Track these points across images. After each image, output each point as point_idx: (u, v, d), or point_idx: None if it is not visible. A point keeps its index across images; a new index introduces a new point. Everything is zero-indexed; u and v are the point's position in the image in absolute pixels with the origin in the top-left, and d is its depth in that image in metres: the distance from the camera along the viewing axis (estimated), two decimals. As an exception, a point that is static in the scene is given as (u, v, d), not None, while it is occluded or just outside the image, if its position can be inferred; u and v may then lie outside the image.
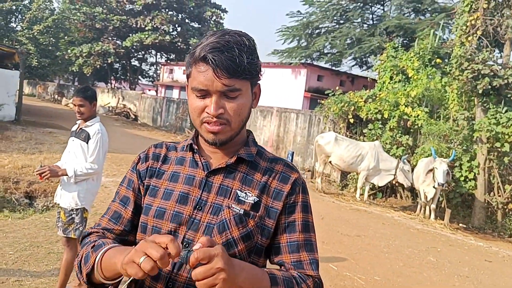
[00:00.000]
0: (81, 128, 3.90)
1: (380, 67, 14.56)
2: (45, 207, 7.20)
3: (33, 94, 39.84)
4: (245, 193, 1.23)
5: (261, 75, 1.25)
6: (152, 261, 0.90)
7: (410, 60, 13.38)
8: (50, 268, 4.52)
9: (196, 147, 1.30)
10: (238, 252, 1.18)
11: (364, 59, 26.48)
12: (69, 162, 3.83)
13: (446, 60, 13.47)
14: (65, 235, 3.79)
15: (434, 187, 9.14)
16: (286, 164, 1.31)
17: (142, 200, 1.30)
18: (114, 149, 13.19)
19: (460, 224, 9.77)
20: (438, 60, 13.41)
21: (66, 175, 3.72)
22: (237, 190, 1.23)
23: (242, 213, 1.19)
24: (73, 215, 3.78)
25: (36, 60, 23.52)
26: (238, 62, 1.13)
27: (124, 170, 10.16)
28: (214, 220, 1.19)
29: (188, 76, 1.22)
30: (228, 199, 1.21)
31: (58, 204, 3.90)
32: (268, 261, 1.30)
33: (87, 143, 3.82)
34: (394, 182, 11.29)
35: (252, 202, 1.21)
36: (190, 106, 1.21)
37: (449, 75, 11.13)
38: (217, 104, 1.15)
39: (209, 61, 1.12)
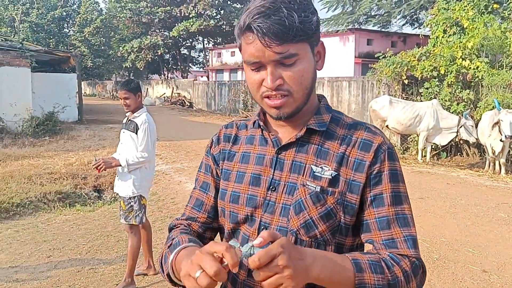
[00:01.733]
0: (129, 120, 4.06)
1: (432, 21, 13.80)
2: (112, 198, 7.60)
3: (94, 94, 41.81)
4: (321, 167, 1.11)
5: (320, 31, 1.11)
6: (208, 276, 0.82)
7: (464, 9, 12.53)
8: (120, 255, 4.78)
9: (262, 123, 1.20)
10: (319, 233, 1.08)
11: (414, 16, 25.20)
12: (122, 153, 4.00)
13: (504, 4, 12.51)
14: (127, 223, 3.98)
15: (501, 140, 8.62)
16: (367, 129, 1.14)
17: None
18: (172, 137, 13.61)
19: (535, 177, 9.18)
20: (495, 6, 12.48)
21: (120, 165, 3.89)
22: (311, 165, 1.11)
23: (318, 190, 1.08)
24: (131, 203, 3.95)
25: (91, 61, 24.61)
26: (288, 24, 0.99)
27: (183, 156, 10.47)
28: (290, 201, 1.09)
29: (239, 49, 1.11)
30: (303, 176, 1.11)
31: (118, 194, 4.09)
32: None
33: (136, 133, 3.97)
34: (458, 140, 10.77)
35: (330, 177, 1.09)
36: (248, 81, 1.12)
37: (508, 19, 10.34)
38: (274, 75, 1.04)
39: (254, 29, 1.01)
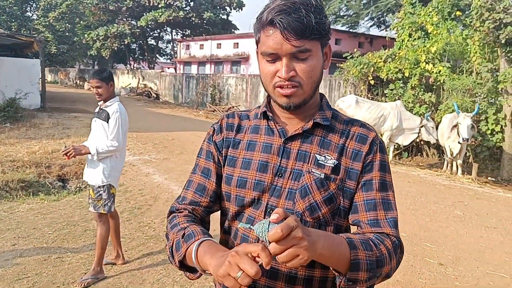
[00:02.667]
0: (101, 109, 4.05)
1: (398, 25, 14.21)
2: (77, 188, 7.49)
3: (56, 81, 40.51)
4: (324, 156, 1.23)
5: (330, 34, 1.23)
6: (248, 276, 0.90)
7: (429, 15, 12.99)
8: (87, 244, 4.76)
9: (270, 114, 1.30)
10: (322, 215, 1.20)
11: (381, 19, 25.86)
12: (92, 141, 3.99)
13: (466, 12, 13.05)
14: (96, 211, 3.97)
15: (459, 142, 9.04)
16: (362, 125, 1.29)
17: (222, 170, 1.32)
18: (138, 128, 13.45)
19: (489, 178, 9.67)
20: (458, 13, 13.00)
21: (89, 153, 3.89)
22: (315, 155, 1.23)
23: (323, 177, 1.20)
24: (100, 192, 3.95)
25: (55, 47, 23.87)
26: (306, 22, 1.11)
27: (150, 148, 10.40)
28: (296, 186, 1.20)
29: (257, 42, 1.22)
30: (308, 164, 1.22)
31: (87, 182, 4.08)
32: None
33: (107, 122, 3.97)
34: (419, 140, 11.20)
35: (332, 165, 1.21)
36: (262, 71, 1.22)
37: (470, 27, 10.80)
38: (288, 66, 1.15)
39: (277, 24, 1.12)
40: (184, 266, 1.18)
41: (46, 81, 17.05)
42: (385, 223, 1.19)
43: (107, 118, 3.97)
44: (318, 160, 1.22)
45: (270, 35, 1.15)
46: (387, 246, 1.14)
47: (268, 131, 1.30)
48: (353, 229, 1.27)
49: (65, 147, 3.89)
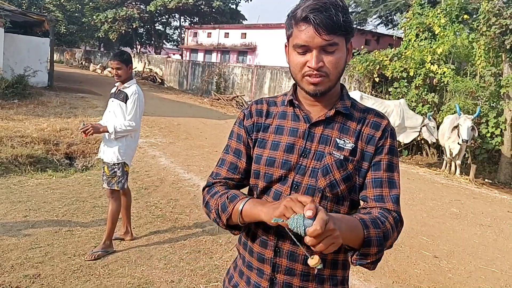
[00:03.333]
0: (119, 90, 4.22)
1: (406, 24, 14.30)
2: (84, 167, 7.67)
3: (61, 60, 40.55)
4: (343, 140, 1.39)
5: (354, 31, 1.39)
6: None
7: (437, 16, 13.09)
8: (96, 220, 4.95)
9: (296, 102, 1.46)
10: (340, 191, 1.37)
11: (389, 17, 25.88)
12: (110, 121, 4.16)
13: (474, 16, 13.15)
14: (109, 187, 4.15)
15: (459, 143, 9.21)
16: (376, 114, 1.45)
17: (252, 151, 1.49)
18: (144, 112, 13.57)
19: (486, 180, 9.86)
20: (465, 16, 13.10)
21: (107, 131, 4.06)
22: (336, 139, 1.39)
23: (342, 158, 1.37)
24: (115, 169, 4.13)
25: (64, 27, 23.92)
26: (335, 20, 1.28)
27: (156, 132, 10.58)
28: (318, 165, 1.37)
29: (289, 36, 1.39)
30: (329, 146, 1.38)
31: (102, 159, 4.25)
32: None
33: (125, 103, 4.14)
34: (419, 139, 11.36)
35: (350, 148, 1.38)
36: (292, 62, 1.38)
37: (476, 31, 10.92)
38: (318, 58, 1.31)
39: (311, 20, 1.28)
40: (229, 226, 1.39)
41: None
42: (389, 199, 1.36)
43: (125, 99, 4.14)
44: (338, 144, 1.39)
45: (303, 30, 1.31)
46: (390, 222, 1.31)
47: (294, 117, 1.46)
48: (360, 203, 1.46)
49: (83, 124, 4.05)
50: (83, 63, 37.30)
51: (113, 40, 37.00)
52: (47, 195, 5.69)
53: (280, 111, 1.50)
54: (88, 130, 4.00)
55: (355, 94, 11.27)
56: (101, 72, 32.26)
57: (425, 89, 11.94)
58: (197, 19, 38.53)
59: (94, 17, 33.59)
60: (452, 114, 10.34)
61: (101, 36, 36.28)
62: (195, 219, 5.22)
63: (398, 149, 11.22)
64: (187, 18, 39.66)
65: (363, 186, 1.41)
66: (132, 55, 32.28)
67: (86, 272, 3.71)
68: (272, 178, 1.42)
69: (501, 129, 10.20)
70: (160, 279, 3.70)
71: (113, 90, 4.35)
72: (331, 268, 1.41)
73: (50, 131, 9.04)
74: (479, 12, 10.66)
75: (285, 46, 1.44)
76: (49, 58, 16.63)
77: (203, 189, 1.52)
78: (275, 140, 1.45)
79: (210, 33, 33.36)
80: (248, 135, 1.51)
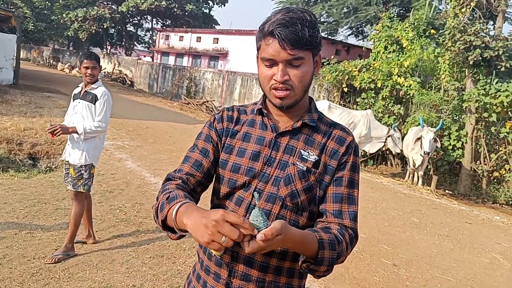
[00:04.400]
0: (86, 91, 4.16)
1: (375, 36, 14.69)
2: (48, 168, 7.50)
3: (28, 58, 39.45)
4: (308, 152, 1.42)
5: (321, 45, 1.42)
6: (231, 240, 1.08)
7: (405, 30, 13.53)
8: (58, 222, 4.85)
9: (265, 112, 1.50)
10: (300, 202, 1.40)
11: (360, 29, 26.48)
12: (77, 122, 4.10)
13: (440, 31, 13.63)
14: (75, 190, 4.09)
15: (421, 155, 9.50)
16: (342, 129, 1.49)
17: (219, 155, 1.51)
18: (112, 114, 13.36)
19: (447, 191, 10.20)
20: (432, 31, 13.58)
21: (76, 132, 4.01)
22: (301, 150, 1.42)
23: (305, 169, 1.40)
24: (82, 171, 4.08)
25: (32, 24, 23.36)
26: (300, 35, 1.32)
27: (124, 134, 10.44)
28: (281, 174, 1.41)
29: (258, 49, 1.43)
30: (293, 157, 1.42)
31: (67, 161, 4.18)
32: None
33: (94, 103, 4.10)
34: (384, 150, 11.65)
35: (313, 160, 1.41)
36: (260, 75, 1.42)
37: (442, 46, 11.32)
38: (283, 71, 1.35)
39: (276, 35, 1.32)
40: (166, 226, 1.33)
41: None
42: (347, 215, 1.40)
43: (94, 100, 4.10)
44: (302, 155, 1.43)
45: (269, 43, 1.35)
46: (346, 240, 1.35)
47: (262, 125, 1.50)
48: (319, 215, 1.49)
49: (51, 125, 3.97)
50: (51, 61, 36.39)
51: (83, 40, 36.33)
52: (8, 196, 5.54)
53: (249, 119, 1.54)
54: (56, 130, 3.92)
55: (323, 103, 11.46)
56: (69, 72, 31.57)
57: (392, 101, 12.27)
58: (169, 21, 38.32)
59: (64, 15, 32.89)
60: (417, 126, 10.67)
61: (70, 35, 35.57)
62: (160, 224, 5.19)
63: (364, 159, 11.52)
64: (159, 20, 39.39)
65: (323, 199, 1.44)
66: (102, 56, 31.87)
67: (45, 275, 3.64)
68: (236, 184, 1.45)
69: (463, 142, 10.59)
70: (122, 283, 3.67)
71: (76, 91, 4.27)
72: (287, 277, 1.44)
73: (13, 130, 8.80)
74: (445, 27, 11.07)
75: (256, 57, 1.47)
76: (15, 55, 16.17)
77: (163, 182, 1.51)
78: (241, 147, 1.49)
79: (182, 36, 33.21)
80: (219, 138, 1.53)
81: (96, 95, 4.11)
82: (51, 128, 3.92)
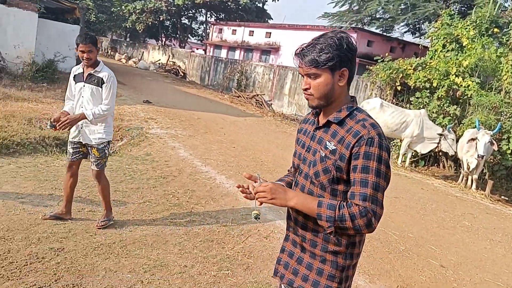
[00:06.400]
0: (90, 74, 4.19)
1: (434, 34, 14.23)
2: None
3: (88, 48, 41.16)
4: (330, 143, 1.82)
5: (344, 65, 1.80)
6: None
7: (466, 28, 13.02)
8: (116, 203, 5.11)
9: (317, 111, 1.97)
10: (321, 179, 1.84)
11: (417, 26, 25.68)
12: (85, 106, 4.20)
13: (504, 30, 13.04)
14: (99, 169, 4.39)
15: (475, 158, 9.19)
16: (362, 125, 1.78)
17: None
18: (166, 104, 13.88)
19: (502, 197, 9.81)
20: (495, 30, 12.99)
21: (86, 119, 4.12)
22: (326, 141, 1.84)
23: (323, 155, 1.83)
24: (104, 149, 4.35)
25: (94, 16, 24.35)
26: (312, 58, 1.78)
27: (177, 124, 10.79)
28: (312, 159, 1.89)
29: None
30: (321, 146, 1.86)
31: (86, 143, 4.32)
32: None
33: (100, 87, 4.18)
34: (437, 151, 11.34)
35: (331, 149, 1.81)
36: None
37: (505, 45, 10.85)
38: (305, 82, 1.86)
39: (296, 56, 1.85)
40: None
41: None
42: (357, 196, 1.73)
43: (100, 83, 4.17)
44: (326, 145, 1.84)
45: (296, 62, 1.87)
46: (352, 211, 1.70)
47: (312, 123, 2.00)
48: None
49: (51, 122, 4.03)
50: (109, 52, 37.92)
51: (140, 31, 37.52)
52: (71, 176, 5.90)
53: (311, 119, 2.04)
54: (64, 125, 4.01)
55: (375, 101, 11.32)
56: (125, 62, 32.74)
57: (448, 101, 11.88)
58: (223, 15, 38.80)
59: (123, 7, 34.13)
60: (473, 128, 10.31)
61: (128, 27, 36.84)
62: (210, 210, 5.39)
63: (415, 159, 11.25)
64: (213, 13, 39.95)
65: (340, 181, 1.81)
66: (157, 47, 32.72)
67: (106, 250, 3.90)
68: (295, 166, 2.04)
69: (522, 146, 10.13)
70: (174, 263, 3.87)
71: (77, 71, 4.27)
72: (323, 239, 1.85)
73: (75, 115, 9.31)
74: (509, 26, 10.59)
75: None
76: (78, 44, 16.98)
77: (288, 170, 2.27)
78: (300, 139, 2.04)
79: (235, 30, 33.57)
80: (298, 134, 2.11)
81: (102, 78, 4.16)
82: (56, 125, 3.99)
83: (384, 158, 1.74)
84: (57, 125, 4.02)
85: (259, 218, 1.92)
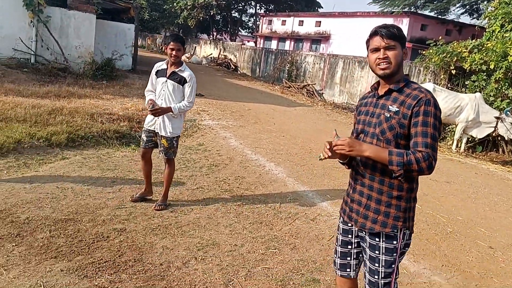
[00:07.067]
0: (173, 72, 4.66)
1: (491, 14, 13.63)
2: (162, 144, 8.35)
3: (143, 45, 42.77)
4: (392, 106, 2.27)
5: (406, 42, 2.35)
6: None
7: (525, 6, 12.40)
8: (172, 188, 5.47)
9: (376, 85, 2.44)
10: (387, 136, 2.25)
11: (474, 6, 24.55)
12: (168, 101, 4.67)
13: None
14: (167, 157, 4.85)
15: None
16: (419, 90, 2.25)
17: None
18: (218, 96, 14.30)
19: None
20: (559, 6, 12.26)
21: (171, 111, 4.62)
22: (389, 105, 2.29)
23: (388, 116, 2.27)
24: (173, 142, 4.81)
25: (148, 14, 25.30)
26: (392, 32, 2.25)
27: (228, 115, 11.14)
28: (376, 121, 2.32)
29: (367, 47, 2.36)
30: (384, 110, 2.30)
31: (153, 131, 4.82)
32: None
33: (182, 85, 4.66)
34: (495, 136, 10.97)
35: (394, 110, 2.26)
36: (369, 61, 2.35)
37: None
38: (384, 53, 2.26)
39: (378, 32, 2.28)
40: None
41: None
42: (420, 144, 2.17)
43: (182, 82, 4.65)
44: (389, 108, 2.29)
45: (374, 39, 2.31)
46: (417, 156, 2.13)
47: (372, 96, 2.46)
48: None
49: (152, 106, 4.53)
50: (163, 48, 39.11)
51: (191, 27, 38.44)
52: (131, 165, 6.37)
53: (370, 94, 2.51)
54: (157, 111, 4.53)
55: (428, 86, 11.08)
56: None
57: (506, 83, 11.41)
58: (272, 6, 38.92)
59: (175, 4, 35.12)
60: (533, 110, 9.88)
61: (180, 23, 37.83)
62: (259, 195, 5.65)
63: (472, 144, 10.91)
64: (263, 5, 40.18)
65: (402, 136, 2.24)
66: (209, 42, 33.36)
67: (163, 231, 4.26)
68: (358, 130, 2.45)
69: None
70: (225, 242, 4.17)
71: (160, 67, 4.75)
72: (388, 186, 2.29)
73: (133, 110, 9.90)
74: None
75: (367, 55, 2.39)
76: (133, 43, 17.82)
77: None
78: (361, 111, 2.49)
79: (285, 21, 33.58)
80: (357, 107, 2.60)
81: (184, 78, 4.65)
82: (153, 109, 4.49)
83: (438, 116, 2.19)
84: (152, 108, 4.48)
85: (322, 159, 2.37)
